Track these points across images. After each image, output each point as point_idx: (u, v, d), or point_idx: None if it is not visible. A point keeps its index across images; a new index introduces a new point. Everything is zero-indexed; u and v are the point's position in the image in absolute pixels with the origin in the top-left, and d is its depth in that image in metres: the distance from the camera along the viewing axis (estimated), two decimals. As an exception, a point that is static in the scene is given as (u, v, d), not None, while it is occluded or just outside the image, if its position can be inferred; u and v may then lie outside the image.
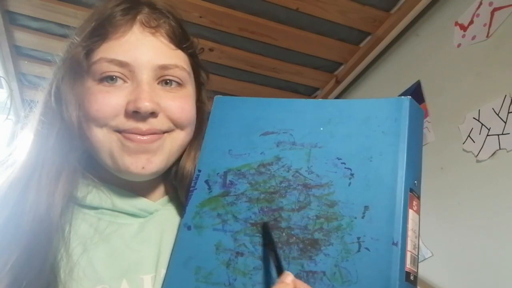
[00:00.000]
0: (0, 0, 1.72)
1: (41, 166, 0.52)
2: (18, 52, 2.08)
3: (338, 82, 2.16)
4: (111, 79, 0.54)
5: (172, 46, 0.57)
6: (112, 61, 0.53)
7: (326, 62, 2.09)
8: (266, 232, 0.50)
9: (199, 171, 0.57)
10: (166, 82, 0.56)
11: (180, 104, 0.57)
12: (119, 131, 0.54)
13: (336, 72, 2.16)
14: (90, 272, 0.51)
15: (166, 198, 0.62)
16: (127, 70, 0.54)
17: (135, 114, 0.53)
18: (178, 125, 0.57)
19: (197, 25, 1.79)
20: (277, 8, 1.73)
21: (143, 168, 0.54)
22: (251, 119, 0.58)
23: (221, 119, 0.60)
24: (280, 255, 0.48)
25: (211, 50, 1.94)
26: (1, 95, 2.38)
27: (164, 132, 0.56)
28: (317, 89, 2.32)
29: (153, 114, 0.54)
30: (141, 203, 0.58)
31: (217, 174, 0.56)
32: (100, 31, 0.55)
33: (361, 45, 1.94)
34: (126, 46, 0.54)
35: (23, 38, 1.96)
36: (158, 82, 0.56)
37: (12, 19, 1.86)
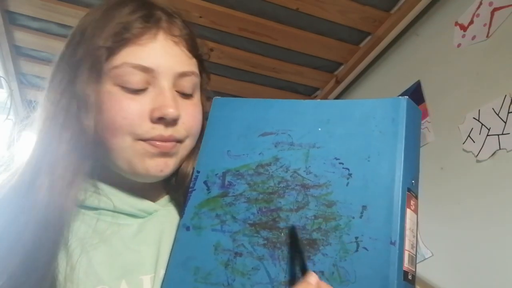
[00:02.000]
0: (0, 0, 1.72)
1: (52, 171, 0.52)
2: (18, 52, 2.08)
3: (338, 82, 2.16)
4: (133, 84, 0.54)
5: (190, 55, 0.59)
6: (137, 67, 0.54)
7: (326, 62, 2.09)
8: (293, 235, 0.50)
9: (198, 172, 0.58)
10: (182, 89, 0.58)
11: (193, 112, 0.59)
12: (143, 139, 0.54)
13: (336, 72, 2.16)
14: (90, 273, 0.52)
15: (165, 198, 0.62)
16: (150, 76, 0.55)
17: (159, 121, 0.54)
18: (190, 134, 0.58)
19: (197, 25, 1.78)
20: (277, 8, 1.73)
21: (161, 171, 0.56)
22: (250, 120, 0.58)
23: (220, 120, 0.60)
24: (305, 256, 0.48)
25: (211, 50, 1.94)
26: (1, 95, 2.38)
27: (177, 142, 0.57)
28: (317, 89, 2.32)
29: (175, 122, 0.55)
30: (140, 203, 0.58)
31: (216, 175, 0.56)
32: (123, 35, 0.54)
33: (361, 45, 1.94)
34: (151, 53, 0.55)
35: (23, 38, 1.96)
36: (175, 89, 0.57)
37: (12, 19, 1.86)
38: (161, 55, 0.55)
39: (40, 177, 0.52)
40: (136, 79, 0.54)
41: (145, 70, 0.54)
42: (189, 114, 0.58)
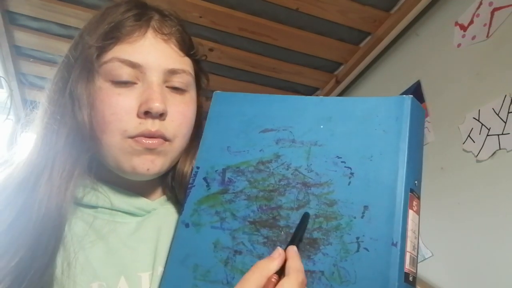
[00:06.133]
0: (0, 0, 1.72)
1: (51, 165, 0.52)
2: (18, 52, 2.08)
3: (338, 82, 2.16)
4: (121, 79, 0.55)
5: (181, 53, 0.59)
6: (124, 61, 0.55)
7: (326, 62, 2.09)
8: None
9: (198, 167, 0.57)
10: (173, 85, 0.58)
11: (183, 110, 0.58)
12: (130, 137, 0.54)
13: (336, 72, 2.16)
14: (87, 269, 0.52)
15: (164, 197, 0.62)
16: (139, 72, 0.55)
17: (146, 116, 0.54)
18: (179, 134, 0.58)
19: (197, 25, 1.79)
20: (277, 8, 1.73)
21: (148, 169, 0.55)
22: (251, 115, 0.57)
23: (221, 115, 0.60)
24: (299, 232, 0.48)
25: (211, 50, 1.94)
26: (1, 95, 2.37)
27: (166, 141, 0.56)
28: (317, 89, 2.32)
29: (162, 116, 0.55)
30: (138, 201, 0.58)
31: (216, 171, 0.56)
32: (113, 34, 0.56)
33: (361, 45, 1.94)
34: (140, 49, 0.56)
35: (23, 38, 1.95)
36: (165, 86, 0.57)
37: (12, 19, 1.85)
38: (148, 52, 0.56)
39: (41, 172, 0.52)
40: (124, 73, 0.55)
41: (133, 65, 0.55)
42: (178, 112, 0.57)
